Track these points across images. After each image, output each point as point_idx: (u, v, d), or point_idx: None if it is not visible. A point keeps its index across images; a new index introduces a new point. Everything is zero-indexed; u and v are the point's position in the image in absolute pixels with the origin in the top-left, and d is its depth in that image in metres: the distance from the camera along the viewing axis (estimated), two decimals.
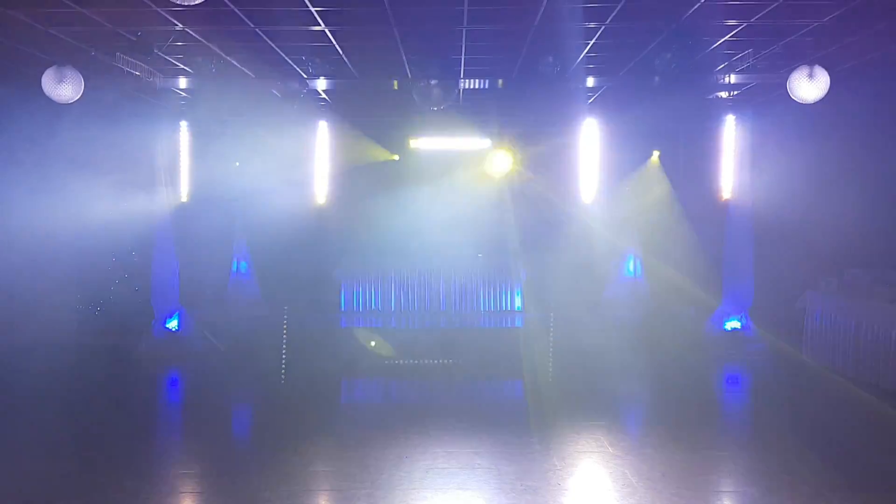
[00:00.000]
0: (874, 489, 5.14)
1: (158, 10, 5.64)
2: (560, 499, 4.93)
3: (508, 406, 8.18)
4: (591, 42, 6.85)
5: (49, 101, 7.44)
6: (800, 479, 5.24)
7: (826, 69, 7.50)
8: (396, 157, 11.89)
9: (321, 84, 8.40)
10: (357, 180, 11.53)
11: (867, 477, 5.42)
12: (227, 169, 10.71)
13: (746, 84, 8.88)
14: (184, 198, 10.42)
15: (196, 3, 3.76)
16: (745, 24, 6.74)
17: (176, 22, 5.91)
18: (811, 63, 7.04)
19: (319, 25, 6.33)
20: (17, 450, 6.12)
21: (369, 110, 9.55)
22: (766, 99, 9.79)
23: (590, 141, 10.39)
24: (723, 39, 7.27)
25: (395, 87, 8.18)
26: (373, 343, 9.88)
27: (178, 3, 3.75)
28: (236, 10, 5.74)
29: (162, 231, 10.31)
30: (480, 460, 5.69)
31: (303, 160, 10.65)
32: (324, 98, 9.12)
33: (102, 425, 6.84)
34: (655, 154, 11.52)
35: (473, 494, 5.03)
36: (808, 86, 6.96)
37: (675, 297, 11.00)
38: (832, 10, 6.30)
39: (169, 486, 5.30)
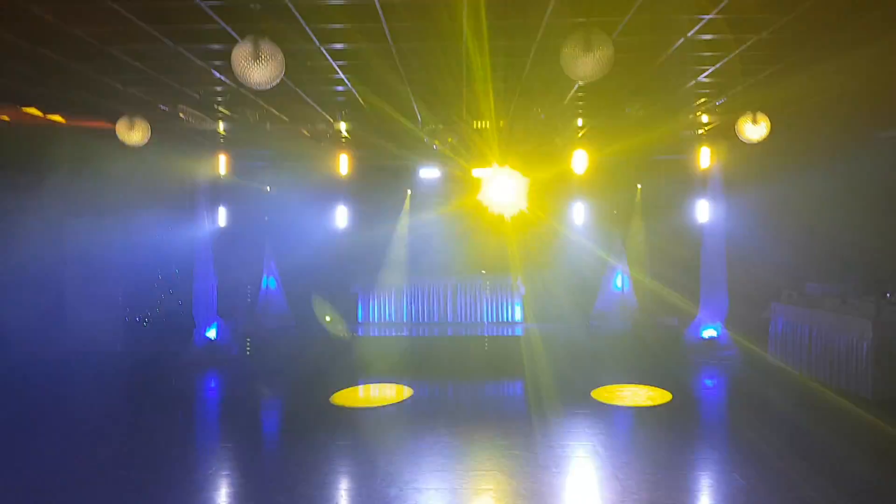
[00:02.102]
0: (804, 451, 6.36)
1: (222, 77, 7.01)
2: (538, 461, 6.19)
3: (509, 400, 9.39)
4: (571, 92, 8.10)
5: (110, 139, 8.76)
6: (758, 447, 6.52)
7: (778, 109, 8.79)
8: (408, 185, 13.16)
9: (343, 126, 9.69)
10: (374, 205, 12.77)
11: (802, 442, 6.69)
12: (260, 197, 12.04)
13: (715, 122, 10.05)
14: (222, 223, 11.74)
15: (269, 86, 5.02)
16: (711, 69, 7.43)
17: (231, 83, 7.26)
18: (755, 109, 8.27)
19: (345, 84, 7.65)
20: (90, 436, 7.28)
21: (385, 146, 10.78)
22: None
23: (581, 169, 11.67)
24: (689, 85, 8.42)
25: (408, 129, 9.45)
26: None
27: (253, 87, 4.99)
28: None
29: (202, 252, 11.41)
30: (478, 438, 6.96)
31: (325, 188, 11.91)
32: (345, 136, 10.40)
33: (158, 415, 8.03)
34: (638, 185, 12.75)
35: (473, 458, 6.30)
36: (753, 128, 8.21)
37: (659, 309, 12.20)
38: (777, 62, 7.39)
39: (205, 463, 6.59)
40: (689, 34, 6.04)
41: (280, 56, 4.94)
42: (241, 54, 4.90)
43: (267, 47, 4.88)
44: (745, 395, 9.35)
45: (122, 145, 8.60)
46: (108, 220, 11.21)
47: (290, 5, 5.15)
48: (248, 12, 5.05)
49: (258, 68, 4.87)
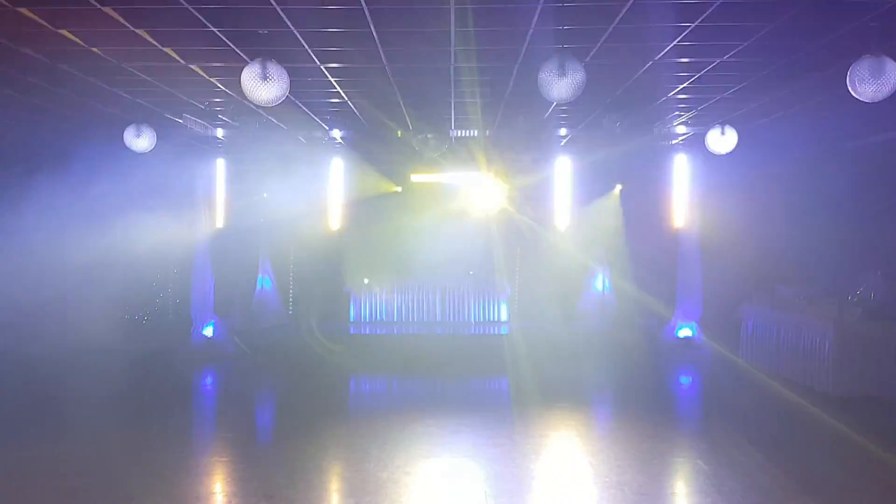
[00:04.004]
0: (763, 442, 6.90)
1: (226, 89, 7.52)
2: (519, 449, 6.72)
3: (493, 394, 9.93)
4: (552, 107, 8.65)
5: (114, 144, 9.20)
6: (722, 439, 7.12)
7: (748, 121, 9.39)
8: (399, 189, 13.61)
9: (337, 132, 10.21)
10: (365, 209, 13.09)
11: (762, 435, 7.23)
12: (256, 200, 12.50)
13: (689, 133, 10.63)
14: (219, 224, 12.12)
15: (275, 105, 5.52)
16: (680, 87, 8.00)
17: (234, 94, 7.76)
18: (724, 123, 8.84)
19: (339, 95, 8.16)
20: (90, 429, 7.63)
21: (376, 151, 11.30)
22: None
23: (563, 176, 12.22)
24: (661, 100, 8.97)
25: (399, 136, 9.97)
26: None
27: (260, 105, 5.49)
28: None
29: (200, 252, 11.77)
30: (464, 428, 7.48)
31: (319, 192, 12.38)
32: (339, 142, 10.91)
33: (156, 411, 8.38)
34: (618, 188, 13.26)
35: (459, 446, 6.83)
36: (720, 140, 8.76)
37: (638, 310, 12.75)
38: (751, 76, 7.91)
39: (207, 451, 7.10)
40: (656, 58, 6.59)
41: (286, 76, 5.44)
42: (250, 75, 5.40)
43: (273, 69, 5.38)
44: (715, 392, 9.93)
45: (128, 149, 9.08)
46: (108, 220, 11.58)
47: (294, 32, 5.66)
48: (257, 36, 5.56)
49: (266, 88, 5.37)
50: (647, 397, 9.17)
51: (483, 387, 10.28)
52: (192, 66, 6.75)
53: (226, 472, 6.37)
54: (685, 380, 10.86)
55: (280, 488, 5.69)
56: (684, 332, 11.90)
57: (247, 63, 5.59)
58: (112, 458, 6.53)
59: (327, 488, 6.02)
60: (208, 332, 11.91)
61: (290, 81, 5.74)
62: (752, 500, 5.46)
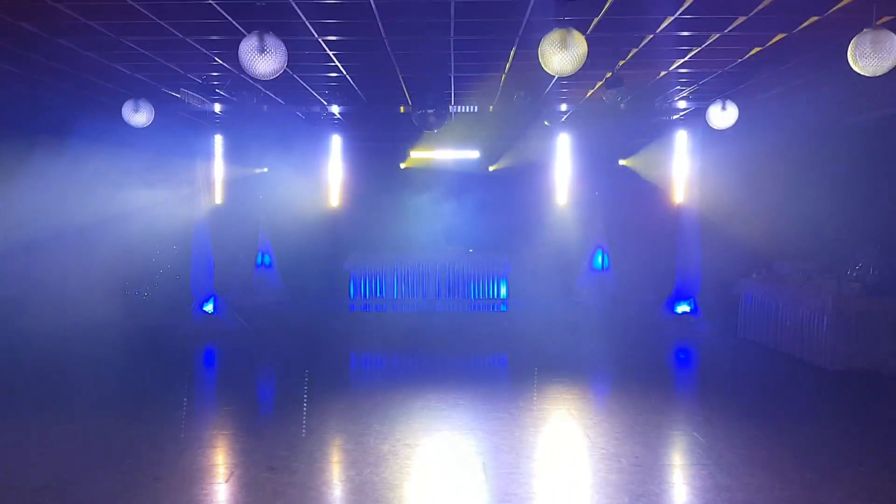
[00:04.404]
0: (760, 415, 6.97)
1: (224, 63, 7.48)
2: (517, 422, 6.78)
3: (492, 370, 9.99)
4: (552, 82, 8.62)
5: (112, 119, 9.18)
6: (719, 412, 7.19)
7: (749, 96, 9.35)
8: (399, 167, 13.63)
9: (336, 108, 10.17)
10: (364, 185, 13.24)
11: (759, 408, 7.28)
12: (255, 176, 12.50)
13: (689, 108, 10.59)
14: (218, 200, 12.18)
15: (273, 78, 5.50)
16: (681, 61, 7.98)
17: (233, 69, 7.72)
18: (725, 98, 8.80)
19: (338, 69, 8.12)
20: (93, 403, 7.73)
21: (376, 128, 11.28)
22: None
23: (564, 151, 12.23)
24: (662, 75, 8.93)
25: (399, 112, 9.95)
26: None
27: (258, 78, 5.47)
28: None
29: (199, 228, 11.76)
30: (463, 403, 7.53)
31: (318, 168, 12.40)
32: (338, 118, 10.87)
33: (158, 386, 8.41)
34: (619, 163, 13.30)
35: (458, 419, 6.89)
36: (721, 115, 8.74)
37: (637, 286, 12.81)
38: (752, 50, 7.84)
39: (210, 424, 7.17)
40: (657, 31, 6.56)
41: (283, 49, 5.42)
42: (247, 48, 5.37)
43: (271, 41, 5.35)
44: (712, 367, 10.00)
45: (126, 125, 9.05)
46: (107, 196, 11.59)
47: (292, 3, 5.63)
48: (254, 8, 5.53)
49: (263, 61, 5.34)
50: (645, 372, 9.21)
51: (482, 363, 10.33)
52: (190, 40, 6.71)
53: (228, 444, 6.43)
54: (683, 354, 10.90)
55: (282, 460, 5.76)
56: (682, 308, 11.96)
57: (244, 36, 5.54)
58: (115, 431, 6.59)
59: (329, 460, 6.07)
60: (209, 308, 11.97)
61: (289, 55, 5.71)
62: (749, 471, 5.52)
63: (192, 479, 5.44)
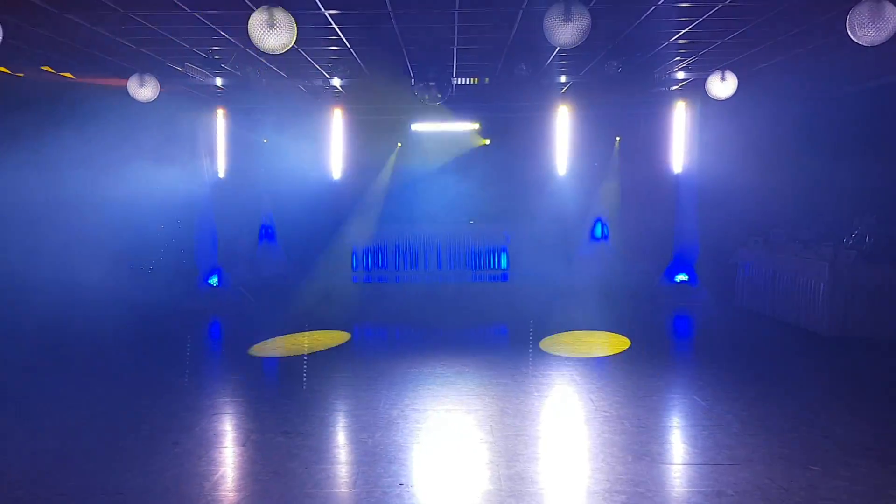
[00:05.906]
0: (758, 379, 7.18)
1: (229, 37, 7.54)
2: (521, 388, 6.97)
3: (495, 339, 10.18)
4: (553, 53, 8.68)
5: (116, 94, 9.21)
6: (718, 376, 7.40)
7: (748, 66, 9.42)
8: (400, 142, 13.69)
9: (338, 81, 10.21)
10: (366, 158, 13.32)
11: (757, 372, 7.49)
12: (258, 149, 12.56)
13: (689, 79, 10.66)
14: (221, 174, 12.26)
15: (280, 52, 5.58)
16: (682, 32, 8.00)
17: (238, 44, 7.78)
18: (724, 68, 8.89)
19: (341, 42, 8.18)
20: (107, 374, 7.98)
21: (378, 101, 11.30)
22: None
23: (563, 124, 12.30)
24: (662, 46, 8.99)
25: (401, 85, 9.98)
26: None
27: (267, 52, 5.54)
28: None
29: (202, 202, 12.03)
30: (468, 370, 7.72)
31: (320, 141, 12.45)
32: (340, 91, 10.91)
33: (170, 356, 8.65)
34: (618, 137, 13.37)
35: (463, 385, 7.08)
36: (720, 85, 8.83)
37: (636, 256, 12.94)
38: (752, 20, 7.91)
39: (222, 392, 7.36)
40: (658, 2, 6.64)
41: (293, 24, 5.49)
42: (257, 22, 5.45)
43: (281, 16, 5.43)
44: (712, 333, 10.20)
45: (129, 99, 9.09)
46: (112, 171, 11.64)
47: None
48: None
49: (273, 35, 5.43)
50: (645, 339, 9.39)
51: (485, 332, 10.50)
52: (197, 14, 6.77)
53: (241, 411, 6.60)
54: (683, 320, 11.08)
55: (295, 425, 5.95)
56: (681, 277, 12.15)
57: (251, 10, 5.61)
58: (129, 400, 6.77)
59: (341, 425, 6.27)
60: (213, 281, 12.15)
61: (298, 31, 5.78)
62: (748, 431, 5.72)
63: (211, 444, 5.64)
